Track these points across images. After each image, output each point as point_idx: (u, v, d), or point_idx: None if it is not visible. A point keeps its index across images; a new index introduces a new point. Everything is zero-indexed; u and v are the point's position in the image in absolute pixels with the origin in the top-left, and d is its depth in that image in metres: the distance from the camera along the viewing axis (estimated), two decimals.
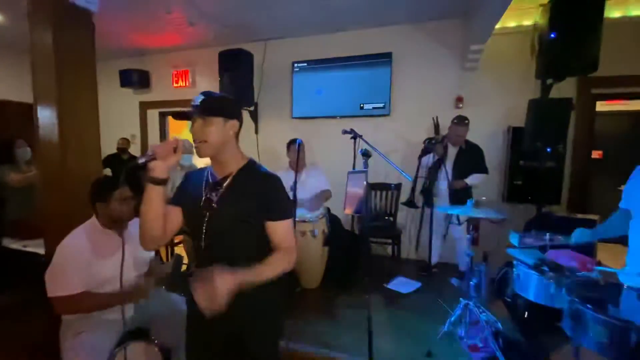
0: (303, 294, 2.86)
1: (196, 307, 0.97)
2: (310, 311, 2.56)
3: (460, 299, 2.17)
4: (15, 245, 2.52)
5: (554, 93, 3.04)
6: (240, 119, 1.13)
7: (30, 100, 2.04)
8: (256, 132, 4.31)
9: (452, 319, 2.12)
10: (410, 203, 3.16)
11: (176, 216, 1.16)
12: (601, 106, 3.37)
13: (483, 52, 3.17)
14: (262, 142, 4.26)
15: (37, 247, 2.34)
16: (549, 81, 2.98)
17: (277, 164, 3.77)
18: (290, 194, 2.65)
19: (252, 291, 1.02)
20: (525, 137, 3.00)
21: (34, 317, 2.16)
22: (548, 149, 2.86)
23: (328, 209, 3.10)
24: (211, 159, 1.13)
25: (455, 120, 2.99)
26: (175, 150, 1.05)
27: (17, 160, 2.80)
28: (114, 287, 1.59)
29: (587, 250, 1.89)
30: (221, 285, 0.93)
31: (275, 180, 1.13)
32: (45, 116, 2.00)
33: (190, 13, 3.36)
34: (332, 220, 3.10)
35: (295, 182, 2.66)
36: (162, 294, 1.86)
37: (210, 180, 1.15)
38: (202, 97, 1.08)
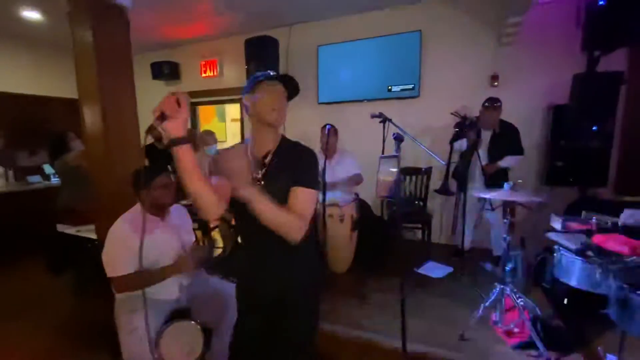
0: (332, 277, 2.92)
1: (245, 278, 1.23)
2: (341, 294, 2.61)
3: (496, 283, 2.12)
4: (69, 230, 2.74)
5: (602, 66, 2.81)
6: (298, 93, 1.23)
7: (72, 95, 2.17)
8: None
9: (487, 303, 2.09)
10: (443, 190, 3.09)
11: (224, 183, 1.10)
12: None
13: (521, 25, 2.96)
14: (289, 128, 4.26)
15: (89, 233, 2.54)
16: (597, 53, 2.75)
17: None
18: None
19: (296, 264, 1.18)
20: (568, 115, 2.81)
21: (90, 296, 2.36)
22: (594, 128, 2.67)
23: (357, 195, 3.11)
24: (256, 136, 1.17)
25: (486, 104, 2.85)
26: (178, 103, 0.94)
27: (72, 151, 3.03)
28: (161, 267, 1.71)
29: (637, 234, 1.77)
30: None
31: (309, 152, 1.17)
32: (90, 112, 2.13)
33: (217, 2, 3.39)
34: (362, 205, 3.11)
35: (324, 168, 2.68)
36: (203, 277, 1.97)
37: (251, 158, 1.17)
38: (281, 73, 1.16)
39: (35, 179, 4.45)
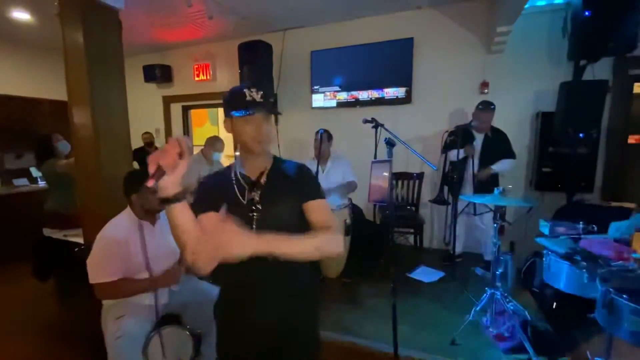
0: (325, 282, 2.91)
1: (232, 295, 1.09)
2: (333, 299, 2.61)
3: (486, 288, 2.14)
4: (56, 235, 2.68)
5: (588, 75, 2.89)
6: (275, 112, 1.09)
7: (61, 98, 2.14)
8: (276, 123, 4.34)
9: (478, 308, 2.10)
10: (439, 200, 3.12)
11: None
12: (639, 88, 3.17)
13: (510, 34, 3.03)
14: (282, 133, 4.30)
15: (76, 237, 2.49)
16: (583, 62, 2.83)
17: (298, 155, 3.80)
18: None
19: (301, 300, 1.09)
20: (556, 123, 2.87)
21: (76, 302, 2.30)
22: (581, 135, 2.73)
23: (350, 200, 3.12)
24: (245, 158, 1.07)
25: (480, 107, 2.89)
26: (180, 155, 0.82)
27: (59, 154, 2.97)
28: (150, 273, 1.68)
29: (623, 239, 1.81)
30: (236, 245, 0.77)
31: (304, 167, 1.13)
32: (80, 113, 2.10)
33: (209, 6, 3.39)
34: (354, 210, 3.12)
35: (316, 172, 2.68)
36: (193, 282, 1.94)
37: (242, 181, 1.07)
38: (260, 91, 1.00)
39: (21, 182, 4.36)
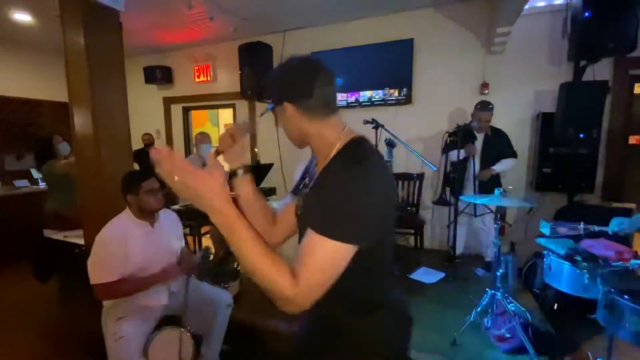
0: None
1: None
2: None
3: (487, 289, 2.14)
4: (56, 236, 2.69)
5: (588, 76, 2.89)
6: (290, 97, 0.79)
7: (62, 99, 2.15)
8: (276, 124, 4.34)
9: (479, 309, 2.10)
10: (441, 201, 3.12)
11: (289, 215, 0.95)
12: None
13: (510, 35, 3.03)
14: (283, 134, 4.28)
15: (76, 238, 2.49)
16: (583, 63, 2.83)
17: (299, 156, 3.80)
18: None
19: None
20: (556, 123, 2.87)
21: (77, 302, 2.31)
22: (581, 135, 2.73)
23: None
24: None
25: (478, 106, 2.90)
26: (233, 137, 0.93)
27: (59, 155, 2.99)
28: (149, 274, 1.68)
29: (624, 239, 1.81)
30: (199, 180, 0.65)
31: (340, 175, 0.71)
32: (81, 114, 2.10)
33: (209, 7, 3.40)
34: None
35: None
36: (194, 283, 1.94)
37: (307, 175, 0.94)
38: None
39: (22, 183, 4.36)
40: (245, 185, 0.96)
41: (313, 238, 0.68)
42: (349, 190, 0.68)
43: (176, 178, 0.64)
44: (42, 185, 4.27)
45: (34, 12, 3.46)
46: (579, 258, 1.68)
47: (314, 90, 0.77)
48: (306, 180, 0.92)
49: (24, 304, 2.89)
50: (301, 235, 0.80)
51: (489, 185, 2.77)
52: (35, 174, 4.41)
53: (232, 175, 0.95)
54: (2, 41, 4.26)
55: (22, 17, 3.56)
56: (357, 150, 0.77)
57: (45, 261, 2.78)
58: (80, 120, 2.12)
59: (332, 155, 0.79)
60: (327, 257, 0.67)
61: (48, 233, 2.79)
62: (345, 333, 0.79)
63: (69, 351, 2.24)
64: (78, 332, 2.26)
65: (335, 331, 0.80)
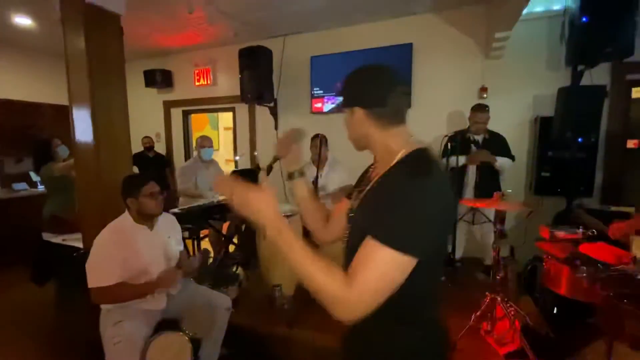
0: None
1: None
2: None
3: (487, 293, 2.13)
4: (54, 239, 2.68)
5: (586, 80, 2.91)
6: (363, 103, 0.81)
7: (62, 102, 2.15)
8: (276, 128, 4.36)
9: (478, 313, 2.09)
10: None
11: (342, 216, 0.96)
12: (637, 93, 3.19)
13: (509, 40, 3.05)
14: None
15: (75, 241, 2.48)
16: (580, 68, 2.85)
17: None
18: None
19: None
20: (554, 127, 2.88)
21: (75, 306, 2.30)
22: (579, 139, 2.74)
23: None
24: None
25: (473, 108, 2.91)
26: (288, 141, 1.05)
27: (58, 158, 2.99)
28: (148, 278, 1.68)
29: (623, 244, 1.81)
30: (255, 201, 0.71)
31: (405, 184, 0.70)
32: (81, 117, 2.11)
33: (210, 12, 3.42)
34: None
35: (316, 177, 2.69)
36: (192, 287, 1.94)
37: (362, 181, 0.94)
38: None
39: (21, 186, 4.36)
40: (301, 187, 1.05)
41: (371, 245, 0.67)
42: (413, 201, 0.67)
43: (234, 197, 0.72)
44: (40, 188, 4.26)
45: (35, 15, 3.48)
46: (578, 262, 1.68)
47: (388, 100, 0.78)
48: (362, 186, 0.89)
49: (21, 308, 2.87)
50: (351, 237, 0.83)
51: (488, 189, 2.78)
52: (34, 177, 4.41)
53: (289, 177, 1.05)
54: (2, 44, 4.28)
55: (23, 20, 3.58)
56: (421, 161, 0.76)
57: (43, 265, 2.77)
58: (80, 124, 2.13)
59: (393, 163, 0.78)
60: (384, 265, 0.66)
61: (46, 236, 2.78)
62: (383, 344, 0.80)
63: (66, 354, 2.23)
64: (75, 336, 2.25)
65: (372, 342, 0.81)
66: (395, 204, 0.68)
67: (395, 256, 0.65)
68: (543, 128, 3.11)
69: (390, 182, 0.75)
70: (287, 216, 2.78)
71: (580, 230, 1.84)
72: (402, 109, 0.83)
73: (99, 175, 2.11)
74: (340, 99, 0.89)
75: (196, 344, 1.70)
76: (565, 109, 2.76)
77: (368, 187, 0.83)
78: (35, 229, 2.89)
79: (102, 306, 1.70)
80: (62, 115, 4.58)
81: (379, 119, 0.80)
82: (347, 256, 0.81)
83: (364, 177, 0.95)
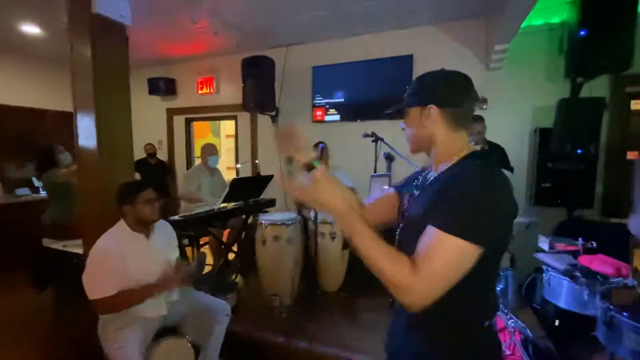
0: (323, 296, 2.88)
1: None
2: (332, 313, 2.57)
3: None
4: (55, 245, 2.68)
5: (585, 92, 2.93)
6: (439, 101, 0.83)
7: (66, 109, 2.17)
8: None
9: None
10: None
11: (384, 205, 1.00)
12: (636, 105, 3.21)
13: (508, 52, 3.09)
14: None
15: (75, 248, 2.49)
16: (580, 80, 2.88)
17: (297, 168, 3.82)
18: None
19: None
20: (553, 139, 2.90)
21: (75, 312, 2.29)
22: (579, 151, 2.75)
23: None
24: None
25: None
26: (289, 137, 0.93)
27: (60, 164, 3.01)
28: (145, 285, 1.67)
29: (623, 255, 1.80)
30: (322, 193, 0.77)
31: (469, 180, 0.73)
32: (84, 124, 2.13)
33: (214, 22, 3.49)
34: None
35: None
36: (192, 294, 1.93)
37: (418, 180, 0.93)
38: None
39: (23, 191, 4.38)
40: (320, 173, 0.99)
41: (435, 233, 0.70)
42: (479, 192, 0.70)
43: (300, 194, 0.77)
44: (43, 193, 4.29)
45: (43, 24, 3.54)
46: (578, 274, 1.68)
47: (465, 102, 0.83)
48: (417, 181, 0.93)
49: (21, 312, 2.86)
50: (406, 234, 0.85)
51: None
52: (36, 182, 4.43)
53: (310, 168, 0.95)
54: (9, 52, 4.35)
55: (31, 29, 3.64)
56: (484, 160, 0.80)
57: (43, 270, 2.77)
58: (84, 130, 2.15)
59: (455, 162, 0.81)
60: (450, 252, 0.68)
61: (47, 242, 2.79)
62: (438, 346, 0.80)
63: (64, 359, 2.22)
64: (74, 341, 2.24)
65: (428, 343, 0.82)
66: (460, 193, 0.71)
67: (459, 243, 0.67)
68: (543, 139, 3.13)
69: (455, 175, 0.77)
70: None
71: (580, 242, 1.83)
72: (470, 114, 0.86)
73: (101, 182, 2.12)
74: (409, 99, 0.89)
75: (197, 350, 1.70)
76: (565, 121, 2.78)
77: (425, 187, 0.86)
78: (36, 234, 2.90)
79: (101, 315, 1.69)
80: (65, 122, 4.61)
81: (451, 120, 0.83)
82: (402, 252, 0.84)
83: (413, 180, 0.95)
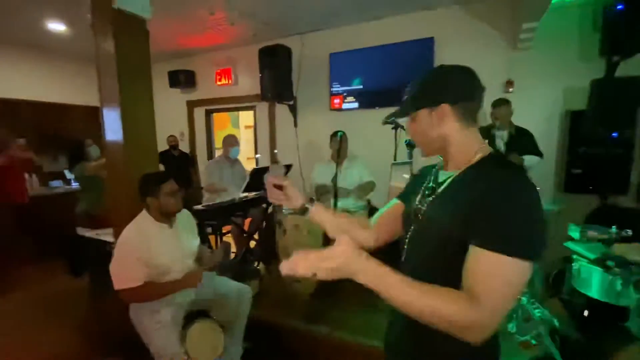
0: (344, 283, 2.90)
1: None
2: (352, 300, 2.59)
3: None
4: (88, 233, 2.83)
5: (621, 72, 2.74)
6: (450, 98, 0.77)
7: (92, 103, 2.25)
8: (295, 125, 4.38)
9: None
10: None
11: (391, 218, 0.96)
12: None
13: (537, 30, 2.92)
14: (302, 135, 4.34)
15: (106, 236, 2.61)
16: (615, 59, 2.69)
17: (317, 157, 3.82)
18: (331, 186, 2.69)
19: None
20: (587, 122, 2.75)
21: (108, 297, 2.43)
22: (614, 134, 2.60)
23: (369, 201, 3.10)
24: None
25: (493, 104, 2.83)
26: (279, 187, 0.99)
27: (90, 157, 3.16)
28: (172, 275, 1.73)
29: None
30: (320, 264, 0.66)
31: (508, 191, 0.65)
32: (111, 118, 2.21)
33: (230, 13, 3.48)
34: (373, 212, 3.10)
35: (335, 175, 2.69)
36: (216, 279, 2.00)
37: (430, 181, 0.86)
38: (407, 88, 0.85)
39: (57, 183, 4.63)
40: (321, 213, 0.99)
41: (488, 257, 0.62)
42: (523, 204, 0.64)
43: (316, 274, 0.65)
44: (74, 185, 4.51)
45: (68, 21, 3.66)
46: (611, 263, 1.61)
47: (475, 94, 0.78)
48: (424, 188, 0.87)
49: (59, 297, 3.06)
50: (421, 238, 0.80)
51: None
52: (69, 174, 4.66)
53: (302, 213, 0.99)
54: (38, 50, 4.54)
55: (57, 26, 3.77)
56: (508, 162, 0.75)
57: (79, 257, 2.94)
58: (111, 124, 2.23)
59: (473, 163, 0.76)
60: (508, 275, 0.62)
61: (81, 231, 2.95)
62: (437, 345, 0.75)
63: (99, 341, 2.36)
64: (109, 324, 2.37)
65: (429, 340, 0.74)
66: (505, 207, 0.63)
67: (519, 264, 0.61)
68: (574, 123, 2.97)
69: (487, 185, 0.68)
70: None
71: (614, 230, 1.75)
72: (480, 107, 0.81)
73: (127, 173, 2.19)
74: (414, 102, 0.82)
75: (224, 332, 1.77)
76: (599, 103, 2.62)
77: (442, 188, 0.80)
78: (70, 224, 3.07)
79: None
80: (92, 117, 4.81)
81: (464, 115, 0.78)
82: (413, 260, 0.83)
83: (421, 183, 0.89)
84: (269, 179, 0.99)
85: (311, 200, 1.00)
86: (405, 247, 0.85)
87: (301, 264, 0.66)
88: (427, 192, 0.84)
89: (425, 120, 0.80)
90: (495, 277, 0.62)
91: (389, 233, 0.97)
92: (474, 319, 0.61)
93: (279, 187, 0.98)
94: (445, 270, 0.70)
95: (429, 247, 0.76)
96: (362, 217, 1.05)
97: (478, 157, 0.76)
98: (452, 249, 0.69)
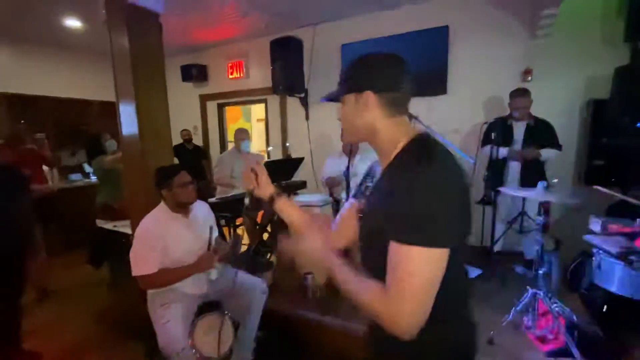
0: None
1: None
2: None
3: (528, 287, 2.03)
4: (107, 225, 2.92)
5: None
6: (374, 86, 0.76)
7: (108, 98, 2.29)
8: (307, 118, 4.37)
9: (518, 307, 2.01)
10: (485, 201, 2.98)
11: (351, 218, 0.93)
12: None
13: (557, 16, 2.81)
14: (313, 128, 4.33)
15: (124, 228, 2.69)
16: None
17: (329, 150, 3.81)
18: (343, 179, 2.68)
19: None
20: (610, 111, 2.64)
21: (127, 287, 2.51)
22: (638, 124, 2.49)
23: None
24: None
25: (512, 94, 2.74)
26: (254, 172, 1.06)
27: (107, 151, 3.24)
28: (186, 263, 1.78)
29: None
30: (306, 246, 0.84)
31: (408, 176, 0.67)
32: (127, 112, 2.25)
33: (242, 4, 3.47)
34: None
35: (347, 168, 2.67)
36: (230, 273, 2.03)
37: (368, 176, 0.91)
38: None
39: (76, 177, 4.77)
40: (289, 207, 1.03)
41: (395, 248, 0.65)
42: (425, 190, 0.64)
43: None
44: (93, 178, 4.64)
45: (84, 18, 3.72)
46: (633, 258, 1.56)
47: (402, 84, 0.77)
48: (367, 182, 0.91)
49: (80, 287, 3.18)
50: (363, 237, 0.84)
51: (532, 178, 2.61)
52: (87, 168, 4.80)
53: (270, 201, 1.04)
54: (56, 47, 4.64)
55: (73, 23, 3.84)
56: (423, 147, 0.73)
57: (98, 248, 3.03)
58: (127, 118, 2.27)
59: (394, 154, 0.77)
60: (413, 264, 0.63)
61: (100, 223, 3.04)
62: (412, 344, 0.69)
63: (119, 329, 2.45)
64: (127, 313, 2.45)
65: (399, 342, 0.68)
66: (407, 197, 0.65)
67: (424, 253, 0.63)
68: (596, 112, 2.86)
69: (397, 175, 0.71)
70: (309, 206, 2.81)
71: (638, 223, 1.69)
72: (409, 97, 0.80)
73: (144, 166, 2.24)
74: (342, 86, 0.82)
75: (236, 325, 1.80)
76: (623, 91, 2.51)
77: (373, 184, 0.84)
78: (90, 216, 3.16)
79: (148, 291, 1.83)
80: (108, 111, 4.91)
81: (389, 105, 0.77)
82: (364, 257, 0.85)
83: (368, 174, 0.93)
84: (248, 165, 1.08)
85: (279, 193, 1.04)
86: (359, 238, 0.87)
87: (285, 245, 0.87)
88: (364, 189, 0.88)
89: (351, 105, 0.80)
90: (399, 266, 0.64)
91: (348, 237, 0.97)
92: (386, 309, 0.65)
93: (255, 173, 1.04)
94: (383, 266, 0.69)
95: (368, 244, 0.81)
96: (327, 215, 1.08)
97: (400, 146, 0.76)
98: (382, 244, 0.69)
